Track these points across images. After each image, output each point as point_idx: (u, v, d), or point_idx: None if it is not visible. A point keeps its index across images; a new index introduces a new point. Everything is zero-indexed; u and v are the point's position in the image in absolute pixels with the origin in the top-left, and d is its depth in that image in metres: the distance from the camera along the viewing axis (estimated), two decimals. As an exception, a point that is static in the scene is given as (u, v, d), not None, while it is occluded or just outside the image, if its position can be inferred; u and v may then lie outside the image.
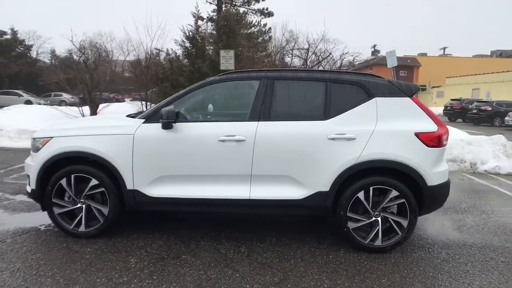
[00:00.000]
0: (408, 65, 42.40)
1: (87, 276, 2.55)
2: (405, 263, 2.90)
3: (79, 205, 3.12)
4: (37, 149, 3.16)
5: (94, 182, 3.06)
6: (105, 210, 3.10)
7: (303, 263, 2.85)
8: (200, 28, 12.77)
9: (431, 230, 3.66)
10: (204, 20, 15.02)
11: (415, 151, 2.96)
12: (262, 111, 3.07)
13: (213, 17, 21.27)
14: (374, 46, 45.57)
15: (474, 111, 19.61)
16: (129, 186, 3.06)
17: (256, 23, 35.28)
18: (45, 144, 3.12)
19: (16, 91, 24.44)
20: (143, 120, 3.12)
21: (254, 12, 22.87)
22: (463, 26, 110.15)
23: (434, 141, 2.99)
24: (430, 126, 3.03)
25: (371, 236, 3.02)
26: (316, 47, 16.60)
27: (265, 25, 35.65)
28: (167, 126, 2.99)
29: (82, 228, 3.12)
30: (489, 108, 19.00)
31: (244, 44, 17.24)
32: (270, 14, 23.15)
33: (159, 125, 3.01)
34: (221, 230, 3.43)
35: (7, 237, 3.18)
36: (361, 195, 2.98)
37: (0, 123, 8.58)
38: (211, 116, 3.39)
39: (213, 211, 3.54)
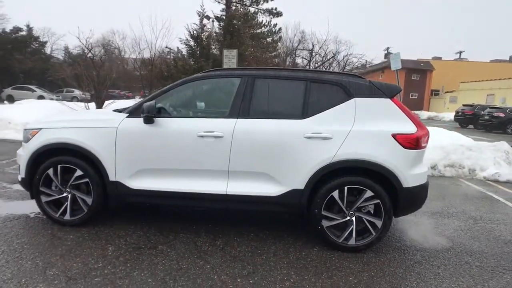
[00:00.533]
0: (421, 69, 41.77)
1: (65, 261, 2.67)
2: (377, 263, 2.92)
3: (64, 194, 3.25)
4: (27, 140, 3.31)
5: (79, 172, 3.19)
6: (89, 200, 3.23)
7: (275, 258, 2.91)
8: (205, 27, 12.93)
9: (412, 232, 3.66)
10: (210, 19, 15.18)
11: (391, 152, 2.98)
12: (242, 108, 3.14)
13: (222, 16, 21.48)
14: (387, 48, 45.14)
15: (486, 117, 19.19)
16: (112, 177, 3.17)
17: (266, 23, 35.34)
18: (34, 135, 3.27)
19: (29, 86, 25.16)
20: (127, 114, 3.23)
21: (262, 12, 22.90)
22: (482, 31, 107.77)
23: (411, 142, 3.00)
24: (408, 128, 3.05)
25: (345, 235, 3.06)
26: (321, 47, 16.58)
27: (275, 25, 35.64)
28: (148, 120, 3.10)
29: (67, 217, 3.25)
30: (502, 115, 18.55)
31: (250, 43, 17.32)
32: (278, 14, 23.19)
33: (141, 119, 3.12)
34: (202, 224, 3.51)
35: (-3, 222, 3.34)
36: (335, 194, 3.02)
37: (9, 117, 8.89)
38: (192, 112, 3.48)
39: (191, 205, 3.63)
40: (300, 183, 3.03)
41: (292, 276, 2.64)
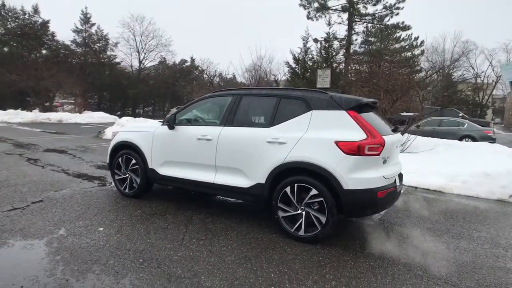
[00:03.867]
0: None
1: (110, 215, 4.24)
2: (316, 256, 3.36)
3: (127, 175, 4.93)
4: (112, 138, 5.19)
5: (133, 161, 4.81)
6: (138, 180, 4.80)
7: (233, 233, 3.74)
8: (308, 50, 13.95)
9: (382, 241, 3.73)
10: (318, 42, 15.97)
11: (332, 156, 3.39)
12: (228, 119, 4.12)
13: (344, 37, 21.90)
14: None
15: None
16: (150, 166, 4.65)
17: (406, 37, 33.32)
18: (115, 136, 5.11)
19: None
20: (162, 123, 4.68)
21: (385, 27, 22.08)
22: None
23: (352, 149, 3.33)
24: (354, 136, 3.38)
25: (296, 226, 3.59)
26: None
27: (416, 38, 33.24)
28: (170, 127, 4.46)
29: (127, 190, 4.92)
30: None
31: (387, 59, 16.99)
32: (405, 28, 21.87)
33: (167, 126, 4.51)
34: (210, 208, 4.61)
35: (93, 185, 5.31)
36: (288, 190, 3.61)
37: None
38: (198, 122, 4.62)
39: (193, 189, 4.71)
40: (262, 178, 3.77)
41: (233, 245, 3.44)
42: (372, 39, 28.63)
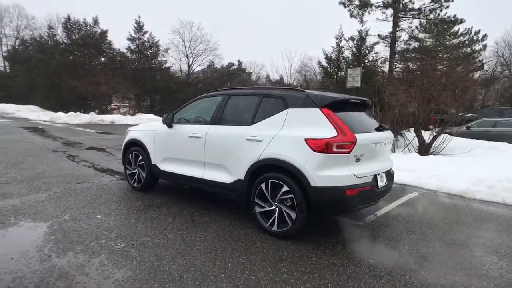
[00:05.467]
0: None
1: (113, 205, 4.70)
2: (284, 250, 3.44)
3: (136, 170, 5.39)
4: (126, 136, 5.71)
5: (140, 157, 5.26)
6: (144, 174, 5.23)
7: (214, 225, 3.95)
8: (342, 49, 13.65)
9: (359, 242, 3.67)
10: (349, 40, 15.48)
11: (301, 153, 3.43)
12: (216, 117, 4.35)
13: (388, 34, 20.95)
14: None
15: None
16: (153, 161, 5.05)
17: (465, 31, 30.99)
18: (127, 134, 5.62)
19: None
20: (163, 122, 5.05)
21: (440, 21, 20.57)
22: None
23: (320, 147, 3.35)
24: (323, 134, 3.40)
25: (270, 222, 3.70)
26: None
27: (477, 32, 30.79)
28: (168, 126, 4.80)
29: (135, 184, 5.38)
30: None
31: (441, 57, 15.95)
32: (458, 22, 20.21)
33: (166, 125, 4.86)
34: (205, 205, 4.87)
35: (111, 179, 5.86)
36: (263, 186, 3.73)
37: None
38: (191, 120, 4.88)
39: (187, 184, 4.97)
40: (242, 175, 3.92)
41: (208, 236, 3.65)
42: (423, 36, 26.88)
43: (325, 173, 3.36)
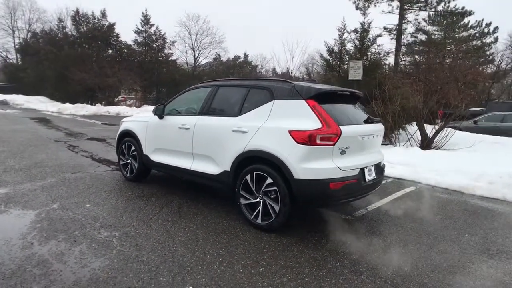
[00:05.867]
0: None
1: (104, 194, 4.72)
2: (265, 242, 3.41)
3: (128, 160, 5.41)
4: (120, 126, 5.71)
5: (133, 148, 5.26)
6: (136, 165, 5.24)
7: (200, 217, 3.94)
8: (345, 41, 13.40)
9: (345, 237, 3.62)
10: (352, 32, 15.14)
11: (285, 145, 3.37)
12: (205, 108, 4.31)
13: (394, 27, 20.53)
14: None
15: None
16: (145, 152, 5.05)
17: (475, 24, 30.32)
18: (121, 124, 5.63)
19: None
20: (154, 113, 5.03)
21: (445, 13, 20.10)
22: None
23: (304, 139, 3.28)
24: (307, 126, 3.32)
25: (254, 214, 3.66)
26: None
27: (488, 24, 30.10)
28: (159, 117, 4.78)
29: (128, 174, 5.40)
30: None
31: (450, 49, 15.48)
32: (465, 14, 19.67)
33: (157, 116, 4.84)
34: (195, 197, 4.86)
35: (106, 170, 5.90)
36: (248, 178, 3.68)
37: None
38: (181, 112, 4.84)
39: (177, 175, 4.95)
40: (228, 166, 3.89)
41: (192, 227, 3.64)
42: (430, 28, 26.17)
43: (308, 165, 3.30)
